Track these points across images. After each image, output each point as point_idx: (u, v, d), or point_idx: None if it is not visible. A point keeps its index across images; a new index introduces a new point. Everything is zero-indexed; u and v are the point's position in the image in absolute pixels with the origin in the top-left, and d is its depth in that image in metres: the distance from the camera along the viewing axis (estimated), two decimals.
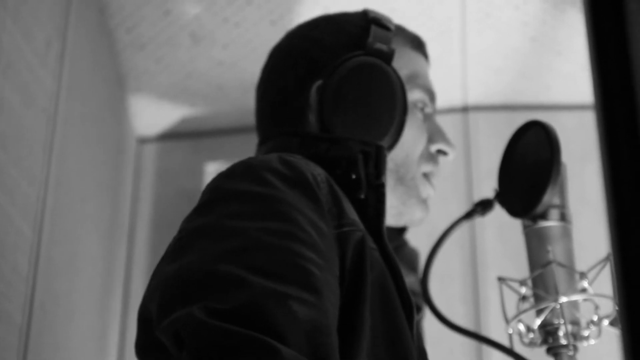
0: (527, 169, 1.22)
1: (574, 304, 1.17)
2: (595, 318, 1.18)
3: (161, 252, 0.98)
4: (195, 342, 0.82)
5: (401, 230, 1.37)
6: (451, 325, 1.23)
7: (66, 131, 1.67)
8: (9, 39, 1.42)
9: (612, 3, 0.52)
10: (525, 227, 1.22)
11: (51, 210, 1.58)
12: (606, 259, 1.19)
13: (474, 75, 2.14)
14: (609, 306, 1.19)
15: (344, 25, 1.25)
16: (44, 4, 1.58)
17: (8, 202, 1.40)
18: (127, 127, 2.20)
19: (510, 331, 1.21)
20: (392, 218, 1.24)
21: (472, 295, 2.06)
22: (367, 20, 1.23)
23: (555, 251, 1.18)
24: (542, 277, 1.18)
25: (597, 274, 1.19)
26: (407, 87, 1.22)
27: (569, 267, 1.18)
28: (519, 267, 1.32)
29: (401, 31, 1.29)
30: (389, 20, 1.25)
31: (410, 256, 1.36)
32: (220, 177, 1.02)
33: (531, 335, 1.19)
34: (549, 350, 1.16)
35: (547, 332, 1.17)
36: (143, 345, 0.96)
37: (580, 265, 1.20)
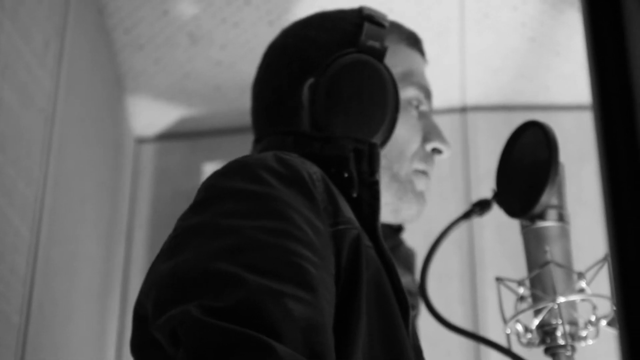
0: (525, 169, 1.22)
1: (571, 304, 1.17)
2: (593, 318, 1.18)
3: None
4: (191, 340, 0.82)
5: (397, 230, 1.37)
6: (449, 325, 1.23)
7: (64, 131, 1.67)
8: (7, 39, 1.42)
9: (610, 3, 0.52)
10: (523, 228, 1.22)
11: (49, 211, 1.58)
12: (604, 259, 1.19)
13: (473, 75, 2.14)
14: (606, 306, 1.19)
15: (338, 23, 1.25)
16: (42, 4, 1.58)
17: (6, 203, 1.40)
18: (125, 127, 2.20)
19: (508, 331, 1.21)
20: (389, 214, 1.24)
21: (470, 296, 2.07)
22: (361, 18, 1.23)
23: (553, 251, 1.18)
24: (540, 277, 1.18)
25: (595, 274, 1.19)
26: (402, 84, 1.22)
27: (567, 268, 1.18)
28: (517, 267, 1.32)
29: (397, 28, 1.29)
30: (384, 17, 1.24)
31: (406, 256, 1.36)
32: (216, 175, 1.02)
33: (529, 335, 1.19)
34: (547, 351, 1.16)
35: (545, 332, 1.17)
36: (138, 342, 0.96)
37: (578, 265, 1.20)
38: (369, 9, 1.25)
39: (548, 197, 1.17)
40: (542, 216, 1.19)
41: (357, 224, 1.04)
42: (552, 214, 1.19)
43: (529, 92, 2.19)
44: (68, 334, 1.71)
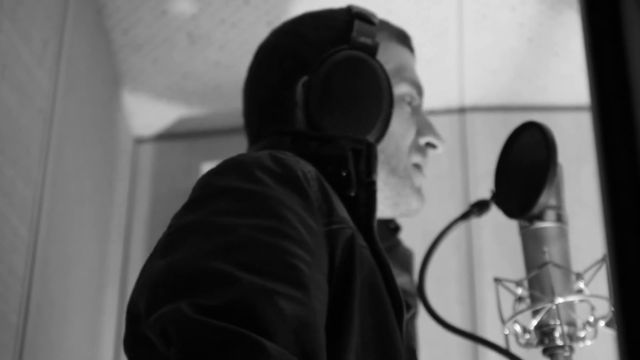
0: (524, 170, 1.22)
1: (570, 305, 1.17)
2: (591, 319, 1.18)
3: None
4: (182, 338, 0.82)
5: (395, 230, 1.37)
6: (447, 325, 1.23)
7: (63, 131, 1.67)
8: (6, 39, 1.42)
9: (609, 4, 0.52)
10: (521, 228, 1.22)
11: (48, 211, 1.58)
12: (602, 260, 1.19)
13: (471, 76, 2.14)
14: (605, 307, 1.19)
15: (329, 21, 1.26)
16: (41, 4, 1.58)
17: (4, 203, 1.40)
18: (124, 128, 2.20)
19: (507, 332, 1.21)
20: (387, 209, 1.24)
21: (468, 296, 2.07)
22: (351, 15, 1.24)
23: (552, 252, 1.18)
24: (539, 278, 1.18)
25: (593, 275, 1.19)
26: (394, 80, 1.23)
27: (565, 268, 1.18)
28: (516, 268, 1.32)
29: (386, 26, 1.30)
30: (373, 15, 1.25)
31: (403, 256, 1.36)
32: (211, 174, 1.02)
33: (527, 336, 1.19)
34: (545, 351, 1.17)
35: (543, 333, 1.17)
36: (131, 341, 0.96)
37: (577, 266, 1.20)
38: (358, 7, 1.25)
39: (546, 198, 1.17)
40: (540, 217, 1.19)
41: (351, 223, 1.04)
42: (550, 214, 1.19)
43: (527, 92, 2.19)
44: (66, 333, 1.71)
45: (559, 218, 1.20)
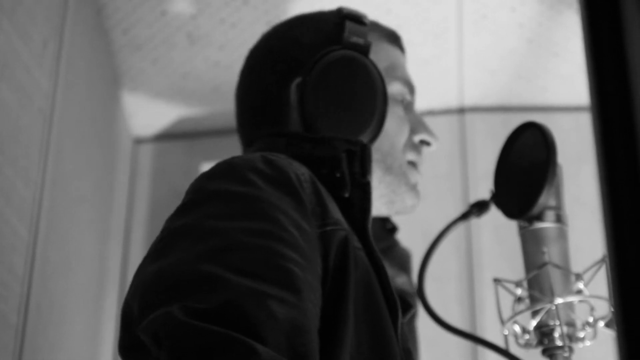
0: (523, 171, 1.22)
1: (569, 306, 1.17)
2: (590, 319, 1.18)
3: None
4: (173, 342, 0.82)
5: (392, 231, 1.37)
6: (447, 326, 1.23)
7: (62, 131, 1.67)
8: (6, 39, 1.42)
9: (609, 4, 0.52)
10: (521, 229, 1.22)
11: (47, 211, 1.58)
12: (602, 260, 1.19)
13: (471, 76, 2.14)
14: (604, 308, 1.19)
15: (320, 23, 1.26)
16: (41, 4, 1.58)
17: (4, 203, 1.40)
18: (123, 128, 2.20)
19: (506, 332, 1.21)
20: (383, 207, 1.25)
21: (467, 296, 2.07)
22: (341, 17, 1.24)
23: (551, 252, 1.18)
24: (538, 278, 1.18)
25: (593, 275, 1.19)
26: (386, 79, 1.23)
27: (565, 269, 1.18)
28: (515, 269, 1.32)
29: (376, 26, 1.30)
30: (364, 16, 1.25)
31: (401, 256, 1.36)
32: (203, 177, 1.02)
33: (527, 336, 1.19)
34: (545, 352, 1.17)
35: (543, 333, 1.17)
36: (125, 344, 0.96)
37: (576, 266, 1.20)
38: (348, 9, 1.26)
39: (546, 199, 1.17)
40: (540, 217, 1.19)
41: (345, 225, 1.04)
42: (550, 215, 1.19)
43: (526, 93, 2.19)
44: (65, 333, 1.71)
45: (559, 218, 1.20)
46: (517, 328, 1.20)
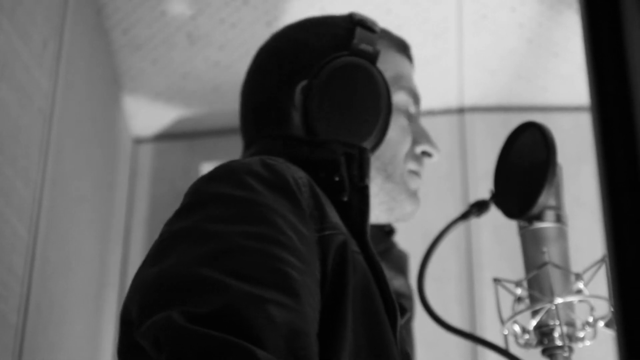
0: (523, 170, 1.22)
1: (569, 305, 1.17)
2: (590, 319, 1.18)
3: None
4: (172, 347, 0.82)
5: (389, 233, 1.37)
6: (446, 326, 1.23)
7: (62, 131, 1.67)
8: (5, 39, 1.42)
9: (609, 4, 0.52)
10: (520, 229, 1.22)
11: (47, 211, 1.58)
12: (602, 260, 1.19)
13: (470, 76, 2.14)
14: (604, 307, 1.19)
15: (330, 27, 1.26)
16: (41, 4, 1.58)
17: (4, 203, 1.40)
18: (123, 128, 2.20)
19: (506, 332, 1.21)
20: (382, 214, 1.25)
21: (467, 296, 2.07)
22: (352, 23, 1.24)
23: (551, 252, 1.18)
24: (538, 278, 1.18)
25: (593, 275, 1.19)
26: (392, 88, 1.23)
27: (565, 269, 1.18)
28: (515, 268, 1.32)
29: (386, 34, 1.30)
30: (374, 23, 1.25)
31: (398, 259, 1.36)
32: (202, 181, 1.02)
33: (526, 336, 1.19)
34: (544, 352, 1.17)
35: (543, 333, 1.17)
36: (124, 347, 0.96)
37: (576, 266, 1.20)
38: (360, 15, 1.25)
39: (546, 198, 1.17)
40: (539, 217, 1.19)
41: (344, 229, 1.04)
42: (549, 215, 1.19)
43: (526, 93, 2.19)
44: (65, 333, 1.71)
45: (559, 218, 1.20)
46: (517, 328, 1.20)
